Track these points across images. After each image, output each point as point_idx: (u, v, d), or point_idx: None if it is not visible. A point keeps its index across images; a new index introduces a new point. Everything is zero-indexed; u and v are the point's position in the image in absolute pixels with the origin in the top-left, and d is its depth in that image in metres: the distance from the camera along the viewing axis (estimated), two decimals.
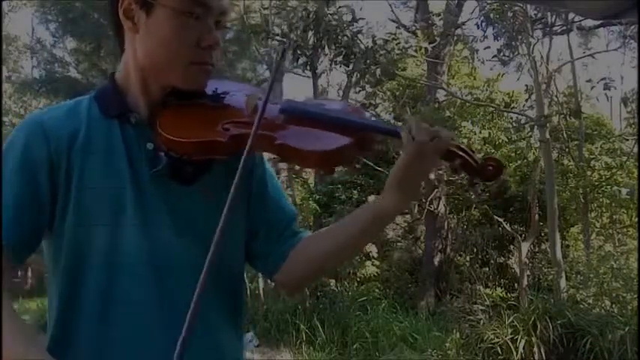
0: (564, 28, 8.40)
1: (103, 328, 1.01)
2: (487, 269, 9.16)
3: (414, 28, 9.11)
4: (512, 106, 8.88)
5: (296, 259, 1.14)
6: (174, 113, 1.05)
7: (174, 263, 1.02)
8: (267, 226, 1.15)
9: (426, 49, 8.53)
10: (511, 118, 9.57)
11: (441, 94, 9.47)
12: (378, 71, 7.38)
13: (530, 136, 8.51)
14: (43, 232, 1.03)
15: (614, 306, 6.03)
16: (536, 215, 7.98)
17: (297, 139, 1.03)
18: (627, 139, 8.89)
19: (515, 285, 8.13)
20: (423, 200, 9.29)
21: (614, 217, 9.18)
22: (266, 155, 1.18)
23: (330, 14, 7.36)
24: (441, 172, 9.54)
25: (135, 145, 1.05)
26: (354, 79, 10.09)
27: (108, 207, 1.02)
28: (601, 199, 8.78)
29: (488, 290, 7.52)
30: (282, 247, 1.14)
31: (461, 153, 1.05)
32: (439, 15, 9.54)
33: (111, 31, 1.11)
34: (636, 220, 8.49)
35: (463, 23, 9.12)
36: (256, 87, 1.14)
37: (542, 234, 8.75)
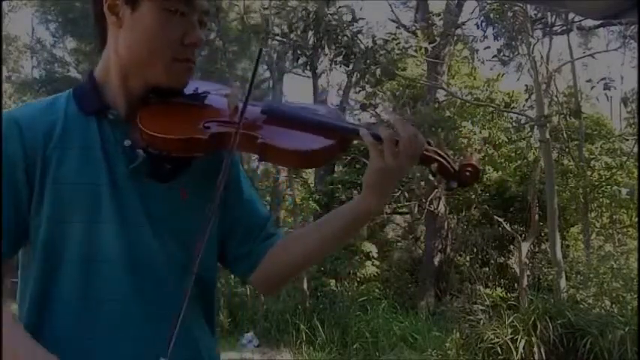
0: (564, 28, 8.41)
1: (79, 328, 1.00)
2: (487, 269, 9.16)
3: (414, 28, 9.11)
4: (512, 106, 8.88)
5: (273, 260, 1.14)
6: (155, 110, 1.06)
7: (150, 260, 1.02)
8: (243, 228, 1.15)
9: (426, 49, 8.53)
10: (511, 118, 9.57)
11: (441, 94, 9.47)
12: (378, 71, 7.38)
13: (530, 136, 8.51)
14: (27, 232, 1.02)
15: (614, 306, 6.03)
16: (536, 215, 7.98)
17: (278, 138, 1.04)
18: (627, 139, 8.89)
19: (515, 285, 8.12)
20: (423, 200, 9.30)
21: (614, 217, 9.18)
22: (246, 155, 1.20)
23: (330, 14, 7.36)
24: None
25: (112, 142, 1.04)
26: (354, 79, 10.10)
27: (83, 203, 1.01)
28: (601, 199, 8.78)
29: (488, 290, 7.51)
30: (258, 249, 1.15)
31: (437, 157, 1.06)
32: (439, 15, 9.54)
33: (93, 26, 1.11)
34: (636, 220, 8.49)
35: (463, 23, 9.13)
36: (236, 87, 1.15)
37: (542, 234, 8.75)
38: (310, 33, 7.59)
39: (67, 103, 1.07)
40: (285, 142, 1.04)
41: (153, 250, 1.03)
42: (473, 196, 9.47)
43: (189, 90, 1.10)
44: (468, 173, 1.06)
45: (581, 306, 6.07)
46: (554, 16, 7.73)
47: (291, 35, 7.90)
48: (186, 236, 1.03)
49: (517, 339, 5.53)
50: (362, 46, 7.36)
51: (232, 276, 7.57)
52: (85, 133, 1.04)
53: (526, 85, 8.05)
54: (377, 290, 8.76)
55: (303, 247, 1.14)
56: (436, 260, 9.47)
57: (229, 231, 1.14)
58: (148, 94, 1.07)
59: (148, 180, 1.04)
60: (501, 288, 8.07)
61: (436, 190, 9.33)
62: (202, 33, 1.06)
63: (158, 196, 1.04)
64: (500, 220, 8.45)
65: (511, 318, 5.75)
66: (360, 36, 7.62)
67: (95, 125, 1.05)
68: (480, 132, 8.92)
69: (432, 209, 9.31)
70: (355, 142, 1.10)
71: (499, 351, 5.61)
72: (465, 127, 8.82)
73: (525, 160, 9.21)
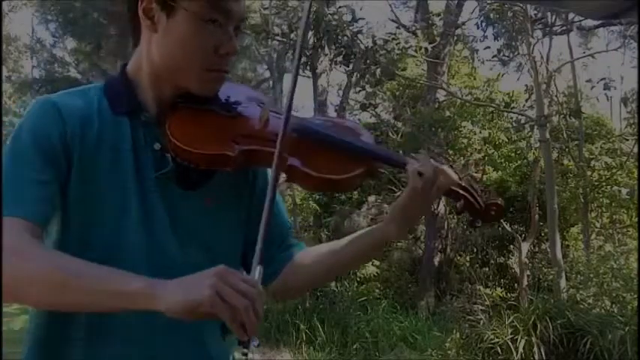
0: (564, 28, 8.40)
1: (95, 332, 0.99)
2: (487, 269, 9.16)
3: (414, 28, 9.10)
4: (512, 106, 8.88)
5: (293, 271, 1.15)
6: (184, 118, 1.04)
7: (173, 265, 1.01)
8: (268, 237, 1.15)
9: (426, 49, 8.53)
10: (511, 118, 9.57)
11: (441, 94, 9.47)
12: (378, 71, 7.38)
13: (530, 136, 8.50)
14: (58, 206, 1.00)
15: (614, 306, 6.03)
16: (536, 215, 7.98)
17: (307, 162, 1.02)
18: (627, 139, 8.87)
19: (515, 285, 8.12)
20: None
21: (614, 217, 9.17)
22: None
23: (330, 14, 7.36)
24: None
25: (142, 144, 1.04)
26: (354, 79, 10.09)
27: (111, 204, 1.01)
28: (601, 199, 8.77)
29: (488, 290, 7.52)
30: (279, 257, 1.15)
31: (465, 194, 1.05)
32: (439, 15, 9.54)
33: (112, 30, 1.10)
34: (636, 220, 8.48)
35: (463, 23, 9.13)
36: (263, 93, 1.13)
37: (542, 234, 8.75)
38: (310, 33, 7.58)
39: (100, 99, 1.06)
40: (314, 167, 1.02)
41: (175, 255, 1.02)
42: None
43: (221, 96, 1.08)
44: (493, 212, 1.07)
45: (581, 306, 6.07)
46: (554, 16, 7.73)
47: (291, 35, 7.91)
48: (210, 244, 1.04)
49: (517, 339, 5.52)
50: (362, 46, 7.36)
51: None
52: (117, 133, 1.03)
53: (526, 85, 8.05)
54: (377, 290, 8.76)
55: (322, 265, 1.15)
56: (436, 260, 9.47)
57: (253, 241, 1.14)
58: (178, 98, 1.06)
59: (174, 186, 1.04)
60: (501, 288, 8.08)
61: None
62: (237, 41, 1.05)
63: (183, 202, 1.04)
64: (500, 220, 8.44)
65: (511, 318, 5.74)
66: (360, 36, 7.62)
67: (128, 126, 1.04)
68: (480, 132, 8.91)
69: (432, 209, 9.31)
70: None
71: (499, 351, 5.60)
72: (465, 127, 8.82)
73: (525, 160, 9.21)
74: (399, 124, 10.32)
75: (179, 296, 0.82)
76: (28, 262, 0.87)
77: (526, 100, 8.52)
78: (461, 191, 1.05)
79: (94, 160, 1.01)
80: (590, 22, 8.69)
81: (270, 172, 1.04)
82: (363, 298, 8.15)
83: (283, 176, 1.05)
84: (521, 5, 6.96)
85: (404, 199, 1.04)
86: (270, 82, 12.73)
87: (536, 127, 7.50)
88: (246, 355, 0.82)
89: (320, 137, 1.07)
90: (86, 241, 1.00)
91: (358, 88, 10.34)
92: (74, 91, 1.08)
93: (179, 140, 1.00)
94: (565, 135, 8.26)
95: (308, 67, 10.37)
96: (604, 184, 8.36)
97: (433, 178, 1.01)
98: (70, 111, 1.01)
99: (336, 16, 7.41)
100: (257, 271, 0.85)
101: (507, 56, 8.04)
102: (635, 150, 8.09)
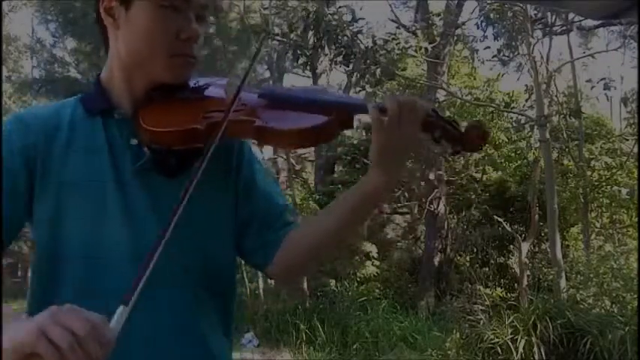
0: (564, 28, 8.41)
1: None
2: (487, 269, 9.16)
3: (414, 28, 9.11)
4: (512, 106, 8.88)
5: (290, 249, 1.12)
6: (157, 107, 1.06)
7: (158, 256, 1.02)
8: (258, 220, 1.14)
9: (426, 49, 8.53)
10: (511, 118, 9.57)
11: (441, 94, 9.47)
12: (378, 71, 7.38)
13: (530, 136, 8.51)
14: (22, 222, 1.03)
15: (614, 306, 6.03)
16: (536, 215, 7.98)
17: (276, 120, 1.03)
18: (627, 139, 8.88)
19: (515, 285, 8.13)
20: (423, 200, 9.30)
21: (614, 217, 9.18)
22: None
23: (330, 14, 7.37)
24: (440, 172, 9.56)
25: (118, 141, 1.05)
26: (354, 79, 10.09)
27: (88, 202, 1.01)
28: (601, 199, 8.78)
29: (488, 290, 7.51)
30: (273, 239, 1.13)
31: (440, 122, 1.02)
32: (439, 15, 9.55)
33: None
34: (636, 220, 8.48)
35: (463, 23, 9.14)
36: (237, 77, 1.15)
37: (542, 234, 8.75)
38: (310, 33, 7.58)
39: (75, 108, 1.09)
40: (281, 123, 1.03)
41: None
42: (473, 196, 9.48)
43: (191, 84, 1.10)
44: (474, 136, 1.03)
45: (581, 306, 6.07)
46: (554, 16, 7.74)
47: (291, 35, 7.91)
48: (196, 231, 1.03)
49: (517, 339, 5.53)
50: (362, 46, 7.37)
51: None
52: (90, 134, 1.05)
53: (526, 85, 8.06)
54: (377, 290, 8.77)
55: (317, 231, 1.12)
56: (436, 260, 9.48)
57: (245, 224, 1.13)
58: (151, 92, 1.07)
59: (154, 176, 1.04)
60: (501, 288, 8.08)
61: (436, 190, 9.33)
62: (201, 28, 1.06)
63: (165, 191, 1.03)
64: (500, 220, 8.45)
65: (511, 318, 5.75)
66: (360, 36, 7.62)
67: (101, 125, 1.06)
68: None
69: (432, 209, 9.31)
70: (357, 119, 1.08)
71: (499, 351, 5.60)
72: None
73: (525, 160, 9.21)
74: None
75: (10, 336, 0.75)
76: None
77: (526, 100, 8.52)
78: (434, 120, 1.02)
79: (66, 164, 1.02)
80: (590, 22, 8.70)
81: (241, 145, 1.08)
82: (363, 298, 8.15)
83: (255, 141, 1.06)
84: (521, 5, 6.96)
85: (374, 140, 1.01)
86: (270, 82, 12.73)
87: (536, 127, 7.51)
88: None
89: (285, 98, 1.09)
90: (63, 239, 1.01)
91: (358, 88, 10.34)
92: (52, 104, 1.11)
93: (151, 125, 1.02)
94: (565, 135, 8.27)
95: (308, 67, 10.38)
96: (604, 184, 8.36)
97: (397, 112, 0.98)
98: (35, 121, 1.04)
99: (336, 16, 7.41)
100: (118, 312, 0.79)
101: (507, 56, 8.04)
102: (635, 150, 8.10)
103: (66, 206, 1.01)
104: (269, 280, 9.35)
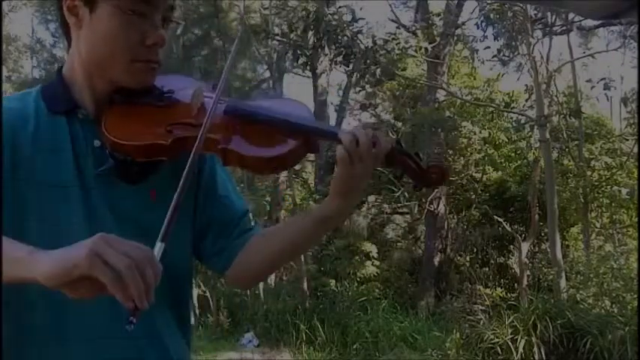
0: (564, 28, 8.41)
1: (46, 328, 0.98)
2: (487, 269, 9.16)
3: (414, 28, 9.11)
4: (512, 106, 8.88)
5: (247, 257, 1.13)
6: (119, 113, 1.04)
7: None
8: (216, 225, 1.14)
9: (426, 49, 8.54)
10: (511, 118, 9.57)
11: (441, 94, 9.47)
12: (378, 71, 7.39)
13: (530, 136, 8.51)
14: None
15: (614, 306, 6.03)
16: (536, 215, 7.98)
17: (240, 143, 1.02)
18: (627, 139, 8.88)
19: (515, 285, 8.13)
20: (423, 200, 9.30)
21: (614, 217, 9.17)
22: None
23: (330, 14, 7.37)
24: None
25: (82, 142, 1.03)
26: (354, 79, 10.10)
27: (51, 203, 1.00)
28: (601, 199, 8.78)
29: (488, 290, 7.52)
30: (231, 246, 1.14)
31: (403, 158, 1.05)
32: (439, 15, 9.55)
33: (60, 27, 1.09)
34: (636, 220, 8.48)
35: (463, 23, 9.13)
36: (202, 84, 1.13)
37: (542, 234, 8.75)
38: (310, 33, 7.59)
39: (37, 102, 1.06)
40: (244, 148, 1.02)
41: None
42: (473, 196, 9.47)
43: (155, 87, 1.08)
44: (434, 175, 1.06)
45: (581, 306, 6.07)
46: (554, 16, 7.74)
47: (291, 35, 7.91)
48: (155, 237, 1.03)
49: (517, 339, 5.53)
50: (362, 46, 7.37)
51: None
52: (54, 133, 1.03)
53: (526, 85, 8.05)
54: (377, 290, 8.76)
55: (275, 245, 1.14)
56: (436, 260, 9.47)
57: (204, 229, 1.13)
58: (114, 94, 1.05)
59: (116, 181, 1.03)
60: (501, 288, 8.09)
61: (436, 190, 9.33)
62: (166, 31, 1.04)
63: (127, 197, 1.03)
64: (500, 220, 8.45)
65: (511, 318, 5.75)
66: (360, 36, 7.63)
67: (65, 125, 1.04)
68: (480, 132, 8.92)
69: (432, 209, 9.31)
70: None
71: (499, 351, 5.61)
72: (464, 127, 8.83)
73: (525, 160, 9.21)
74: (399, 124, 10.33)
75: (56, 259, 0.75)
76: None
77: (526, 100, 8.52)
78: (397, 156, 1.05)
79: (31, 161, 1.00)
80: (590, 22, 8.69)
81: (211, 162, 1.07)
82: (363, 298, 8.15)
83: (220, 161, 1.05)
84: (521, 5, 6.96)
85: (339, 171, 1.03)
86: (270, 82, 12.72)
87: (536, 127, 7.51)
88: (132, 324, 0.73)
89: (251, 117, 1.06)
90: (26, 238, 0.96)
91: (358, 88, 10.36)
92: (16, 94, 1.09)
93: (113, 135, 1.00)
94: (565, 135, 8.27)
95: (308, 67, 10.38)
96: (604, 184, 8.36)
97: (366, 147, 1.00)
98: (5, 115, 1.01)
99: (336, 16, 7.41)
100: (157, 247, 0.80)
101: (507, 56, 8.04)
102: (635, 150, 8.10)
103: (26, 205, 0.99)
104: (269, 280, 9.35)
